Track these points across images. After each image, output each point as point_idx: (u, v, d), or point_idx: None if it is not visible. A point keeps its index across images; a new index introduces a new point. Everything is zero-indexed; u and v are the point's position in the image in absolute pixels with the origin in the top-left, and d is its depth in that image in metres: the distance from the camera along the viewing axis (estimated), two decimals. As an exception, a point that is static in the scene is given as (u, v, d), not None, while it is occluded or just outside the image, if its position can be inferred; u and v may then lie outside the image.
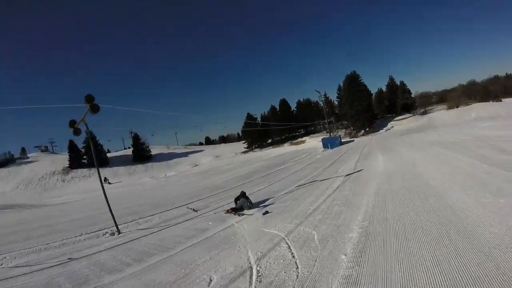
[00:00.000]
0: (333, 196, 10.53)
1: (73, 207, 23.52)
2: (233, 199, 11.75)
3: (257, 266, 5.55)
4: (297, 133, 73.31)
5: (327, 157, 29.75)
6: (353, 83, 60.54)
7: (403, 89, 69.12)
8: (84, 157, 56.94)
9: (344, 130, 63.02)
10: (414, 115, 63.20)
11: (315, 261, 5.24)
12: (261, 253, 6.20)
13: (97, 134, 56.29)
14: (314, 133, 67.23)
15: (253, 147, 71.00)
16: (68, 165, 54.19)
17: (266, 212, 10.16)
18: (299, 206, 10.05)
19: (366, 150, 28.12)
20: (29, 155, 64.01)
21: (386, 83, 73.11)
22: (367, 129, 58.80)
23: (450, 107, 60.72)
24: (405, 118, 61.13)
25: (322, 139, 47.00)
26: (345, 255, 5.26)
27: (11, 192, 42.39)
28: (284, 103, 74.32)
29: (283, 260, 5.59)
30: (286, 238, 6.90)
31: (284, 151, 54.42)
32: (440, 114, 55.75)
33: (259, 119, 72.25)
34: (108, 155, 65.02)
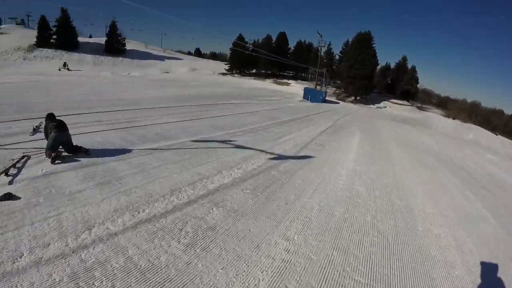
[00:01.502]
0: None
1: (10, 89, 15.16)
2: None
3: None
4: (286, 74, 63.33)
5: (297, 109, 22.36)
6: (363, 43, 50.13)
7: (412, 75, 59.96)
8: (54, 36, 48.34)
9: (334, 89, 54.45)
10: (412, 105, 55.25)
11: None
12: None
13: (76, 16, 47.32)
14: (303, 80, 57.90)
15: (234, 71, 60.71)
16: (34, 43, 46.25)
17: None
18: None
19: (344, 120, 20.42)
20: (1, 26, 55.18)
21: (397, 61, 63.44)
22: (357, 98, 50.63)
23: (447, 115, 54.09)
24: (402, 104, 52.95)
25: (304, 88, 38.73)
26: None
27: None
28: (282, 37, 62.37)
29: None
30: None
31: (263, 86, 45.80)
32: (437, 118, 48.34)
33: (251, 46, 60.49)
34: (82, 40, 54.93)
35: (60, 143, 5.76)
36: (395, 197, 6.06)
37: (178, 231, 3.71)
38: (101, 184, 4.77)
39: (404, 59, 62.85)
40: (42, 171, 5.00)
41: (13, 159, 5.24)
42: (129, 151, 6.59)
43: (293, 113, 18.96)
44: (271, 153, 7.87)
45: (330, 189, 5.90)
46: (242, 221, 4.13)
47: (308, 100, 34.01)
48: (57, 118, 6.07)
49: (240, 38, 58.70)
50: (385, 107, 49.32)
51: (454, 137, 30.35)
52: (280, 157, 7.64)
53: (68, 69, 37.09)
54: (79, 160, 5.63)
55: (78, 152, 5.96)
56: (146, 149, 6.87)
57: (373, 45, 51.24)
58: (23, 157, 5.45)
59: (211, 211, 4.26)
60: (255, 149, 8.00)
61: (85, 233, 3.48)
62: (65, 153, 5.80)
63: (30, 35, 48.30)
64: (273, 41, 61.24)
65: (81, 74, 32.42)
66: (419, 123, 34.97)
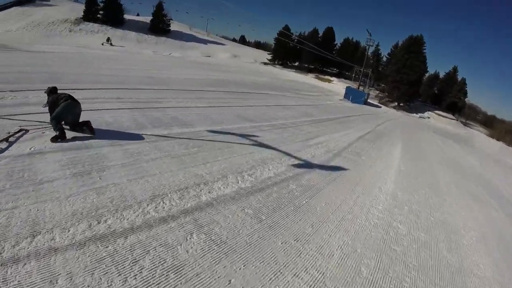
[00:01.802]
0: None
1: (49, 60, 14.65)
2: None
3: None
4: (329, 70, 59.66)
5: (336, 108, 20.36)
6: (413, 48, 45.66)
7: (461, 88, 54.39)
8: (100, 12, 48.61)
9: (377, 92, 50.83)
10: (457, 120, 50.07)
11: None
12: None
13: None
14: (346, 79, 54.34)
15: (276, 62, 58.20)
16: (81, 17, 46.71)
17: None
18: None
19: (385, 127, 18.16)
20: (52, -2, 58.26)
21: (447, 71, 57.88)
22: (401, 104, 46.82)
23: (491, 135, 48.64)
24: (447, 117, 48.19)
25: (346, 87, 36.20)
26: None
27: (16, 31, 36.41)
28: (329, 33, 58.40)
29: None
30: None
31: (304, 80, 43.36)
32: (482, 136, 43.36)
33: (296, 37, 57.25)
34: (128, 17, 54.82)
35: (72, 113, 5.04)
36: (443, 247, 4.36)
37: (130, 263, 2.56)
38: (79, 175, 3.83)
39: (455, 69, 57.32)
40: (30, 149, 4.34)
41: (8, 132, 4.68)
42: (133, 135, 5.64)
43: (331, 112, 17.18)
44: (296, 158, 6.49)
45: (361, 224, 4.29)
46: (225, 263, 2.83)
47: (349, 100, 31.72)
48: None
49: (286, 28, 56.15)
50: (429, 117, 45.18)
51: (497, 159, 26.80)
52: (306, 165, 6.24)
53: (111, 44, 36.90)
54: (74, 141, 4.86)
55: (82, 128, 5.19)
56: (153, 135, 5.86)
57: (424, 51, 46.78)
58: (20, 130, 4.87)
59: (189, 238, 3.03)
60: (279, 150, 6.68)
61: (26, 240, 2.61)
62: (68, 130, 5.04)
63: (78, 9, 48.74)
64: (319, 35, 57.98)
65: (123, 50, 32.18)
66: (462, 140, 31.37)
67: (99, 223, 3.01)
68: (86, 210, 3.18)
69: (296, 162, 6.25)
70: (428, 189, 7.00)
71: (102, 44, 35.92)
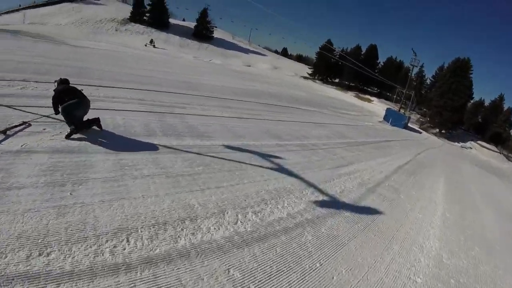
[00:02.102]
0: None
1: (87, 55, 14.99)
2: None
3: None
4: (369, 89, 56.66)
5: (375, 131, 18.53)
6: (460, 71, 41.64)
7: (507, 118, 49.08)
8: (147, 14, 49.86)
9: (418, 116, 47.24)
10: (500, 153, 44.67)
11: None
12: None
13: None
14: (386, 100, 51.07)
15: (316, 77, 55.92)
16: (128, 17, 48.13)
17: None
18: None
19: (426, 156, 15.95)
20: (101, -3, 61.42)
21: (492, 99, 53.37)
22: (442, 131, 43.06)
23: None
24: (490, 150, 43.27)
25: (387, 109, 33.79)
26: None
27: (65, 26, 38.43)
28: (372, 50, 55.74)
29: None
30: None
31: (343, 98, 41.23)
32: None
33: (338, 52, 54.83)
34: (173, 21, 56.00)
35: (83, 109, 4.70)
36: None
37: None
38: (51, 185, 3.19)
39: (501, 98, 52.27)
40: (21, 146, 3.96)
41: (9, 124, 4.44)
42: (135, 143, 4.91)
43: (368, 135, 15.61)
44: (321, 192, 5.27)
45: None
46: None
47: (388, 122, 29.47)
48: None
49: (329, 43, 54.08)
50: (471, 148, 40.76)
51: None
52: (331, 204, 4.96)
53: (154, 46, 37.07)
54: (72, 140, 4.46)
55: (90, 126, 4.91)
56: (159, 145, 5.08)
57: (471, 75, 42.66)
58: (22, 123, 4.62)
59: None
60: (301, 179, 5.52)
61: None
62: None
63: (125, 10, 49.95)
64: (362, 52, 55.50)
65: (164, 53, 32.31)
66: (505, 175, 27.64)
67: (40, 255, 2.24)
68: (35, 233, 2.45)
69: (320, 198, 5.04)
70: (478, 248, 5.38)
71: (145, 45, 36.54)
